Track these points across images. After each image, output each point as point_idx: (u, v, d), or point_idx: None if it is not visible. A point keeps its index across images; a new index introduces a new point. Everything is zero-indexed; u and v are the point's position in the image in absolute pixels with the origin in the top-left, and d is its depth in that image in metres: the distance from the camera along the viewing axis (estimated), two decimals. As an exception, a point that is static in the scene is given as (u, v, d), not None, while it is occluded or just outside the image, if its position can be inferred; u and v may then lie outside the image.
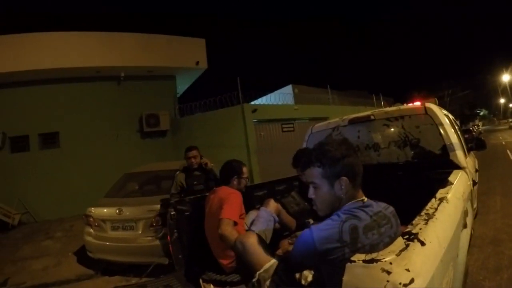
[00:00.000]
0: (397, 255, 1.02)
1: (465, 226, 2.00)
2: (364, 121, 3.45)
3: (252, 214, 2.72)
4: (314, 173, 1.47)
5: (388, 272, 0.95)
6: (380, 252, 1.05)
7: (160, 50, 10.91)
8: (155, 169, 5.76)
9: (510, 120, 49.54)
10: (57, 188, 9.38)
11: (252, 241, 1.76)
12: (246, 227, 2.55)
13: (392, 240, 1.19)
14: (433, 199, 1.67)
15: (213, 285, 2.38)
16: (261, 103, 12.35)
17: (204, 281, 2.47)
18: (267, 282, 1.57)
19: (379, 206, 1.43)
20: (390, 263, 0.98)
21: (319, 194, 1.48)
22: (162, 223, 4.07)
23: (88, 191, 7.59)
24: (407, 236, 1.17)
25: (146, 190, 5.34)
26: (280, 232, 2.68)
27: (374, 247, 1.22)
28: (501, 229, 4.53)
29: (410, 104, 3.42)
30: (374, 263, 0.98)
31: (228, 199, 2.50)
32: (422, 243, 1.14)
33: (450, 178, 2.24)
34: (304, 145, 3.89)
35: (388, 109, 3.48)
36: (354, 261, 1.02)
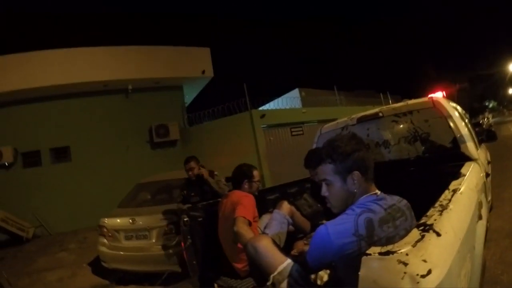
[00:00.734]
0: (413, 246, 1.00)
1: (480, 217, 1.97)
2: (373, 119, 3.43)
3: (266, 217, 2.70)
4: (326, 170, 1.48)
5: (405, 264, 0.94)
6: (396, 244, 1.03)
7: (166, 61, 11.03)
8: (167, 178, 5.79)
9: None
10: (70, 201, 9.50)
11: (264, 244, 1.70)
12: (259, 231, 2.54)
13: (407, 232, 1.17)
14: (447, 191, 1.65)
15: (229, 290, 2.37)
16: (269, 108, 12.36)
17: (219, 286, 2.47)
18: (282, 285, 1.52)
19: (393, 199, 1.42)
20: (407, 254, 0.96)
21: (332, 191, 1.48)
22: (176, 231, 4.09)
23: (100, 202, 7.64)
24: (422, 227, 1.15)
25: (158, 199, 5.37)
26: (294, 234, 2.67)
27: (390, 240, 1.21)
28: (518, 222, 4.45)
29: (418, 99, 3.38)
30: (390, 255, 0.96)
31: (241, 202, 2.50)
32: (438, 234, 1.12)
33: (463, 170, 2.21)
34: (314, 147, 3.88)
35: (395, 105, 3.46)
36: (370, 254, 1.00)
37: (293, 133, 11.66)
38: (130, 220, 4.49)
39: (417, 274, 0.93)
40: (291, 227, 2.52)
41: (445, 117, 2.93)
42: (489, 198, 3.34)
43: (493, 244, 3.75)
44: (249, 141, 10.35)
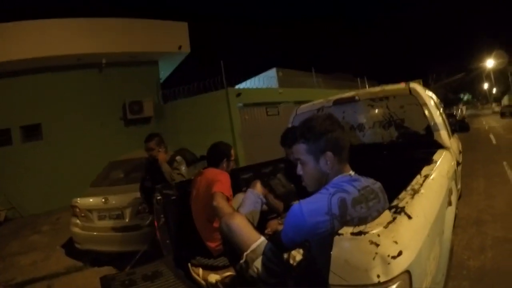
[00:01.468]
0: (385, 227, 1.02)
1: (450, 204, 2.02)
2: (349, 102, 3.44)
3: (239, 196, 2.69)
4: (300, 149, 1.49)
5: (377, 244, 0.95)
6: (368, 225, 1.05)
7: (141, 35, 10.66)
8: (140, 156, 5.68)
9: (493, 105, 50.59)
10: (42, 181, 9.18)
11: (238, 221, 1.68)
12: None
13: (380, 214, 1.19)
14: (418, 176, 1.69)
15: (202, 269, 2.37)
16: (245, 87, 12.31)
17: (192, 265, 2.46)
18: (255, 263, 1.52)
19: (367, 181, 1.43)
20: (378, 235, 0.98)
21: (306, 170, 1.50)
22: (149, 210, 4.03)
23: (74, 182, 7.46)
24: (394, 210, 1.17)
25: (131, 178, 5.27)
26: (266, 214, 2.68)
27: (362, 221, 1.22)
28: (484, 210, 4.65)
29: (395, 85, 3.41)
30: (362, 235, 0.98)
31: (218, 178, 2.47)
32: (409, 217, 1.14)
33: (435, 157, 2.26)
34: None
35: (372, 89, 3.48)
36: (342, 234, 1.01)
37: (269, 113, 11.72)
38: (103, 200, 4.42)
39: (388, 255, 0.95)
40: (264, 207, 2.53)
41: (421, 104, 2.97)
42: (459, 186, 3.45)
43: (460, 231, 3.92)
44: (224, 120, 10.34)
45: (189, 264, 2.45)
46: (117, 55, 10.28)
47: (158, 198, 2.65)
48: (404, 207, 1.19)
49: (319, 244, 1.27)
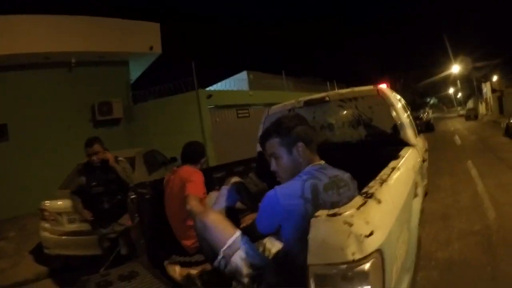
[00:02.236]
0: (357, 209, 1.11)
1: (416, 195, 2.14)
2: (319, 103, 3.52)
3: (213, 194, 2.69)
4: (273, 144, 1.63)
5: (350, 224, 1.03)
6: (342, 207, 1.13)
7: (112, 35, 10.43)
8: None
9: (458, 108, 52.93)
10: (7, 185, 8.73)
11: (213, 218, 1.69)
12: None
13: (350, 201, 1.27)
14: (386, 168, 1.79)
15: (180, 266, 2.36)
16: (216, 89, 12.35)
17: (168, 264, 2.45)
18: (233, 258, 1.55)
19: (337, 171, 1.56)
20: (352, 216, 1.06)
21: (280, 164, 1.62)
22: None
23: (42, 185, 7.11)
24: (364, 195, 1.26)
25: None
26: (240, 212, 2.71)
27: (334, 205, 1.29)
28: (450, 206, 4.90)
29: (363, 86, 3.53)
30: (337, 216, 1.06)
31: (191, 179, 2.49)
32: (379, 201, 1.24)
33: (401, 153, 2.38)
34: (261, 127, 3.92)
35: (342, 91, 3.58)
36: (319, 216, 1.09)
37: (239, 115, 11.86)
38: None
39: (361, 234, 1.04)
40: (239, 204, 2.56)
41: (388, 105, 3.10)
42: (425, 182, 3.62)
43: (428, 225, 4.12)
44: (194, 121, 10.35)
45: (166, 262, 2.44)
46: (86, 54, 10.01)
47: (132, 197, 2.62)
48: (374, 193, 1.28)
49: (293, 228, 1.36)
